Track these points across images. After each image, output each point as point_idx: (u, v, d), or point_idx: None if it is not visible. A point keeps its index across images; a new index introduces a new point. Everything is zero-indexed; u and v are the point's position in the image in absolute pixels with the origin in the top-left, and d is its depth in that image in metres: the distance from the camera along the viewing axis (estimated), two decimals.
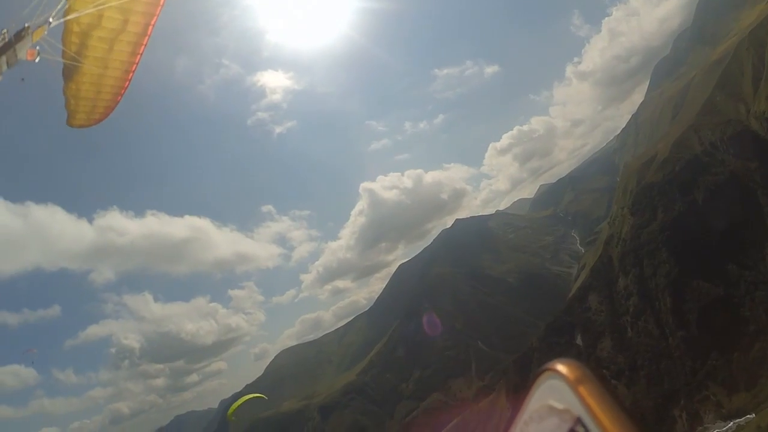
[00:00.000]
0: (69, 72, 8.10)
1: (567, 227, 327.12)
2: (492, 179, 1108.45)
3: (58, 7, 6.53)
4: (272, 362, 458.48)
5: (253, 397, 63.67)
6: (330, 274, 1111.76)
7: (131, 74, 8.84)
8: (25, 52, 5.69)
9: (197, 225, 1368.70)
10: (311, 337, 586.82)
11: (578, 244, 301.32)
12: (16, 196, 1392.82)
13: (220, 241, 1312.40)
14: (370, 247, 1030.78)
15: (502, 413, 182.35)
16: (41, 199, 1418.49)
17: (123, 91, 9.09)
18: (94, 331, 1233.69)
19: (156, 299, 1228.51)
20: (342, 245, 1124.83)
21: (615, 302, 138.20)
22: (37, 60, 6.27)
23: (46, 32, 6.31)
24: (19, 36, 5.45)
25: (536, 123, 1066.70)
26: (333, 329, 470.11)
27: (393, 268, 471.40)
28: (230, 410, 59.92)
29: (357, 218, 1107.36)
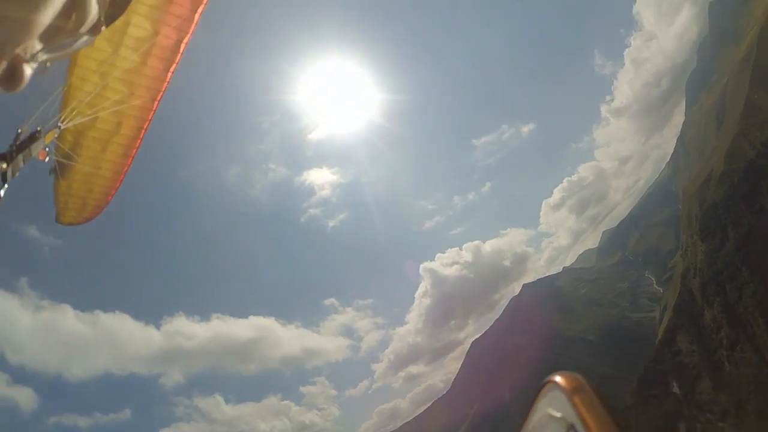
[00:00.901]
0: (61, 169, 8.34)
1: (639, 269, 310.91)
2: (552, 236, 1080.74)
3: (69, 110, 7.06)
4: None
5: None
6: (402, 361, 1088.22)
7: (122, 175, 9.05)
8: (38, 152, 6.08)
9: (262, 324, 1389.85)
10: (390, 427, 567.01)
11: (655, 285, 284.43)
12: (85, 305, 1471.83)
13: (287, 338, 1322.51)
14: (439, 328, 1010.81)
15: None
16: (109, 307, 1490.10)
17: (114, 191, 9.21)
18: None
19: (227, 401, 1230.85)
20: (410, 329, 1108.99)
21: (705, 338, 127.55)
22: (47, 160, 6.56)
23: (56, 135, 6.72)
24: (34, 138, 5.78)
25: (584, 170, 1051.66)
26: (412, 417, 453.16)
27: (466, 346, 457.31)
28: None
29: (422, 300, 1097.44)
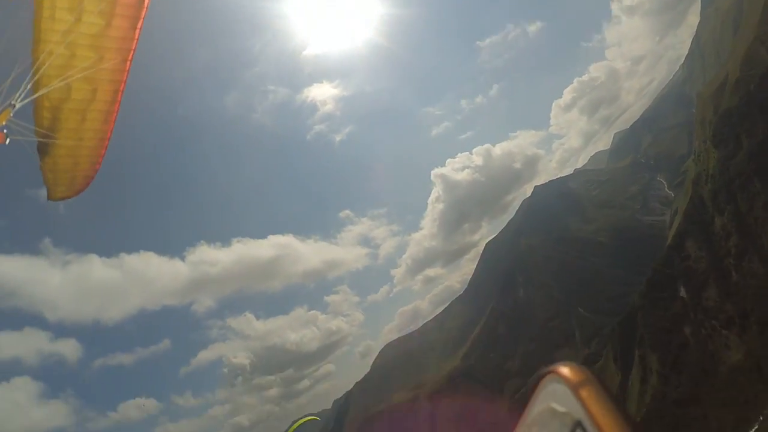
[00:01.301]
0: (44, 147, 8.25)
1: (651, 172, 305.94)
2: (563, 138, 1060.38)
3: (23, 87, 6.70)
4: (377, 358, 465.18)
5: (308, 419, 64.14)
6: (419, 265, 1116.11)
7: (107, 141, 9.03)
8: None
9: (282, 242, 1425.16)
10: (412, 327, 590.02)
11: (666, 189, 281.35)
12: (109, 251, 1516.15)
13: (307, 252, 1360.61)
14: (453, 231, 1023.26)
15: (612, 380, 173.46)
16: (132, 249, 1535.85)
17: (101, 159, 9.22)
18: (205, 356, 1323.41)
19: (257, 317, 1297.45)
20: (425, 234, 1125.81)
21: (714, 245, 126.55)
22: (7, 142, 6.42)
23: (11, 114, 6.48)
24: None
25: (595, 70, 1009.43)
26: (432, 317, 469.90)
27: (481, 248, 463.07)
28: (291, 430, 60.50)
29: (434, 205, 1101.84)
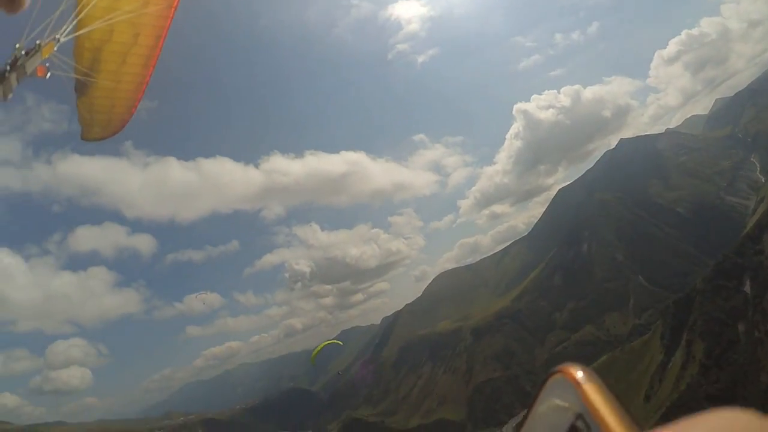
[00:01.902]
0: (82, 87, 8.28)
1: (746, 151, 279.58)
2: (660, 93, 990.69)
3: (68, 24, 6.59)
4: (431, 284, 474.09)
5: (331, 342, 66.99)
6: (487, 199, 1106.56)
7: (144, 86, 8.94)
8: (34, 68, 5.76)
9: (353, 159, 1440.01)
10: (469, 260, 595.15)
11: (758, 171, 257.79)
12: (187, 154, 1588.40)
13: (377, 172, 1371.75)
14: (528, 171, 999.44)
15: (654, 357, 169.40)
16: (209, 153, 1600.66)
17: (137, 104, 9.19)
18: (269, 259, 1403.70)
19: (322, 228, 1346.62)
20: (498, 170, 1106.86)
21: None
22: (48, 76, 6.28)
23: (55, 48, 6.33)
24: (30, 53, 5.52)
25: (707, 25, 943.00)
26: (491, 253, 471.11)
27: (553, 192, 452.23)
28: (312, 355, 63.75)
29: (513, 141, 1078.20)
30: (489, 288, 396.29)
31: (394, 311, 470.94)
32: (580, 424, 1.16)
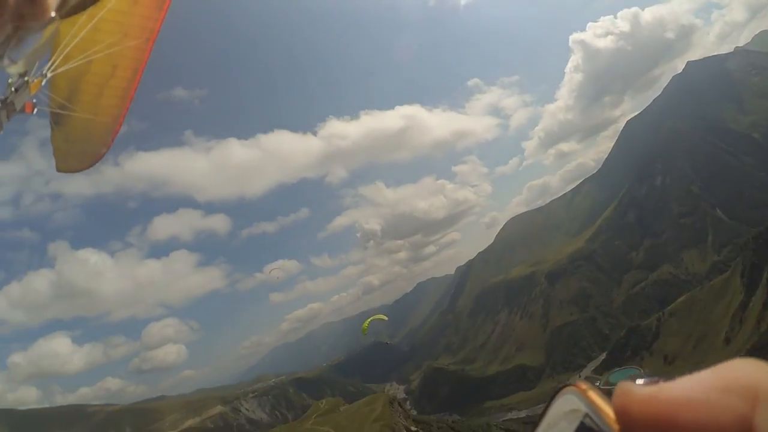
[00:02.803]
0: (58, 118, 7.50)
1: None
2: (724, 8, 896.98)
3: (53, 59, 5.81)
4: (502, 230, 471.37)
5: (378, 318, 70.70)
6: (552, 138, 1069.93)
7: (122, 119, 7.94)
8: (23, 103, 5.02)
9: (409, 113, 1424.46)
10: (539, 203, 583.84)
11: None
12: (246, 133, 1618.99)
13: (434, 123, 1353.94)
14: (592, 104, 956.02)
15: (734, 297, 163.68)
16: (267, 129, 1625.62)
17: (114, 136, 8.30)
18: (340, 221, 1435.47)
19: (387, 186, 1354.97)
20: (560, 106, 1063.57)
21: None
22: (34, 112, 5.51)
23: (43, 83, 5.54)
24: (19, 89, 4.80)
25: None
26: (561, 194, 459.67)
27: (621, 125, 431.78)
28: (364, 327, 68.09)
29: (572, 75, 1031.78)
30: (561, 230, 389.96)
31: (467, 260, 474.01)
32: (587, 421, 1.21)
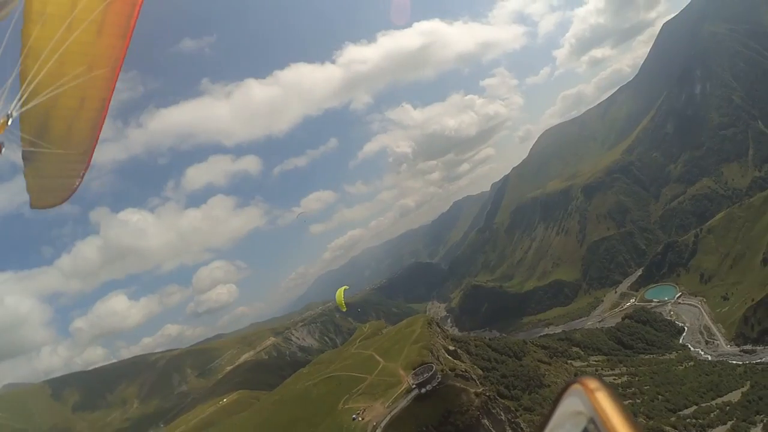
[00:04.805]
0: (30, 155, 8.15)
1: None
2: None
3: (18, 97, 6.85)
4: (536, 143, 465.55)
5: (344, 289, 74.22)
6: (584, 45, 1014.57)
7: (92, 151, 8.83)
8: None
9: (428, 28, 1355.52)
10: (574, 113, 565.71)
11: None
12: (263, 71, 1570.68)
13: (456, 36, 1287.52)
14: (625, 6, 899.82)
15: None
16: (283, 64, 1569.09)
17: (86, 168, 9.09)
18: (370, 147, 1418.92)
19: (414, 107, 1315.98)
20: (591, 9, 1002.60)
21: None
22: (3, 152, 6.55)
23: (9, 124, 6.64)
24: None
25: None
26: (596, 104, 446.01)
27: (657, 28, 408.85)
28: (340, 301, 72.16)
29: None
30: (597, 141, 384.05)
31: (502, 176, 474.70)
32: (591, 427, 1.35)
